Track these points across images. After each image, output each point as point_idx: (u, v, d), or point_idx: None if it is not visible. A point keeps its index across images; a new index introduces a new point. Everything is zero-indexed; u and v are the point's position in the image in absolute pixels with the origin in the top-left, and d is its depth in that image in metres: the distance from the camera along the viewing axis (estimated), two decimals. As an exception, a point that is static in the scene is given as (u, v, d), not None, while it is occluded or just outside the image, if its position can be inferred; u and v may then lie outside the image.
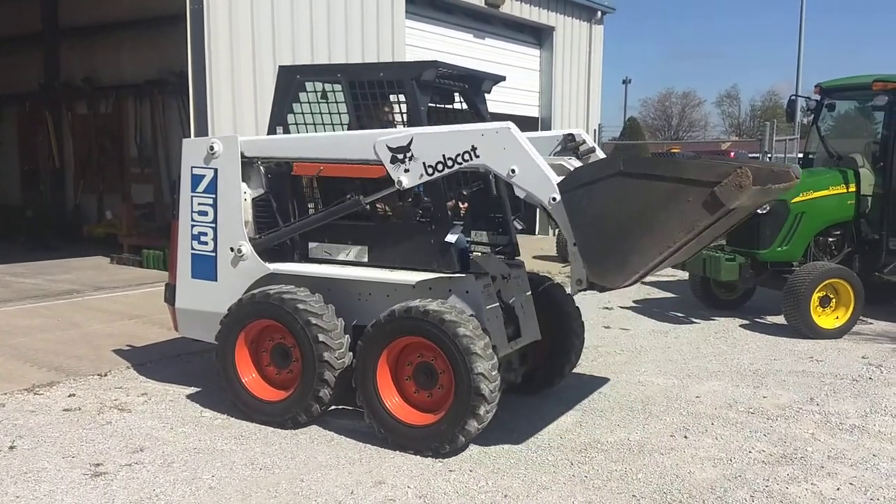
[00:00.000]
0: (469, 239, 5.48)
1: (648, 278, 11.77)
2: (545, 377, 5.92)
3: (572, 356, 5.95)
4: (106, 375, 6.43)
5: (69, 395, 5.90)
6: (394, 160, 4.90)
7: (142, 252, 12.13)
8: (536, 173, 4.54)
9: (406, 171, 4.88)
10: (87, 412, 5.54)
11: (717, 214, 4.03)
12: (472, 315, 4.79)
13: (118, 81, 14.56)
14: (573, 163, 5.48)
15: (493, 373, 4.65)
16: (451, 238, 5.04)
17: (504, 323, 5.08)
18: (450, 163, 4.77)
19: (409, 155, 4.87)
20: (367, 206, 5.28)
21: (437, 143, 4.82)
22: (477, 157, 4.69)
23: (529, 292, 5.48)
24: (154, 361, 6.85)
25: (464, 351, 4.57)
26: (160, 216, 13.44)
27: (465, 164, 4.74)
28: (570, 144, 5.74)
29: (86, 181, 15.62)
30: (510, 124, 4.70)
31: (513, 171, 4.58)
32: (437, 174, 4.83)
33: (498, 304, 5.07)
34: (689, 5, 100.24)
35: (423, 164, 4.83)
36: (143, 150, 14.51)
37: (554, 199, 4.44)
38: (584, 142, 5.72)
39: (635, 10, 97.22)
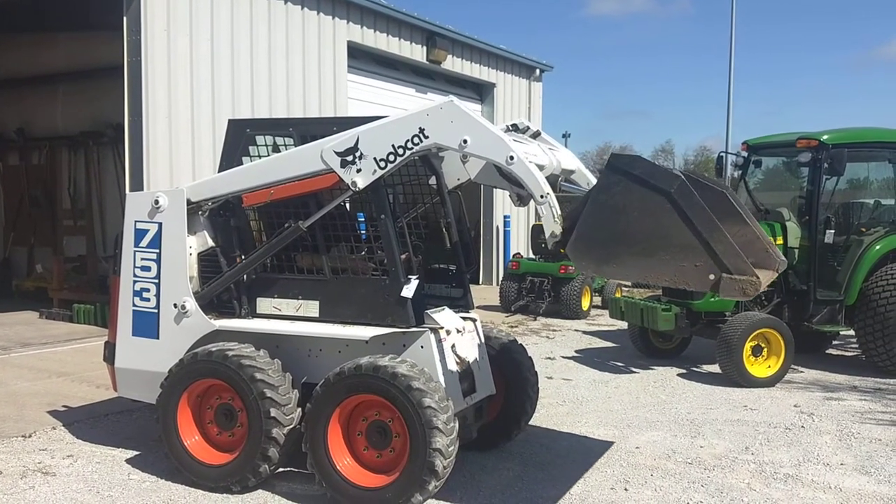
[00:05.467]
0: (423, 292, 5.34)
1: (589, 327, 12.02)
2: (503, 430, 5.83)
3: (528, 407, 5.89)
4: (30, 437, 6.14)
5: (-11, 459, 5.62)
6: (344, 163, 4.85)
7: (73, 307, 11.75)
8: (489, 137, 4.54)
9: (358, 170, 4.83)
10: (9, 476, 5.27)
11: (704, 290, 4.06)
12: (427, 372, 4.67)
13: (52, 133, 14.26)
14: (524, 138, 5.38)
15: (451, 448, 4.54)
16: (406, 292, 4.91)
17: (459, 378, 5.03)
18: (401, 151, 4.73)
19: (358, 154, 4.82)
20: (309, 236, 5.12)
21: (385, 135, 4.78)
22: (426, 137, 4.66)
23: (483, 346, 5.45)
24: (81, 421, 6.57)
25: (426, 423, 4.45)
26: (92, 269, 13.07)
27: (416, 147, 4.70)
28: (514, 131, 5.67)
29: (16, 233, 15.15)
30: (452, 97, 4.70)
31: (465, 141, 4.55)
32: (390, 166, 4.78)
33: (453, 358, 5.02)
34: (624, 69, 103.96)
35: (375, 159, 4.79)
36: (76, 201, 14.18)
37: (511, 157, 4.41)
38: (528, 128, 5.68)
39: (573, 70, 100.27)
